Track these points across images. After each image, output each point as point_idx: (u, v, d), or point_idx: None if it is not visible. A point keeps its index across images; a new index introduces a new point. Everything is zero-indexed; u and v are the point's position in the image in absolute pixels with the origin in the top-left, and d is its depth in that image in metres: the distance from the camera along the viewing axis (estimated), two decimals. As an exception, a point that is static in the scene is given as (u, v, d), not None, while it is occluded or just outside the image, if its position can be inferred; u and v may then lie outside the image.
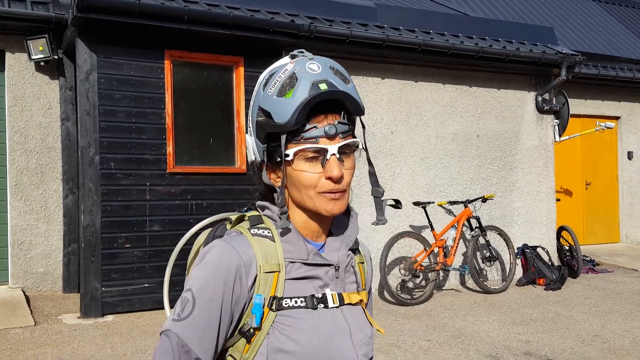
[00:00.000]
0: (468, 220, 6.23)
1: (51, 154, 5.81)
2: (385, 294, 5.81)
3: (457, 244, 6.06)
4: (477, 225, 6.17)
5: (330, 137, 0.96)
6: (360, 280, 1.10)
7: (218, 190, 5.43)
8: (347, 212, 1.08)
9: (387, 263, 5.64)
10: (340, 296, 1.02)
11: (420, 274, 5.87)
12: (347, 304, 1.03)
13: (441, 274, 6.21)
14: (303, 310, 0.98)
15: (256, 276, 0.97)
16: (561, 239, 7.18)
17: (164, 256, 5.11)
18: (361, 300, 1.06)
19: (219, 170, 5.43)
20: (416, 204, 5.96)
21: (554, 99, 7.05)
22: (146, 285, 5.08)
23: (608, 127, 7.22)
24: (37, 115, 5.77)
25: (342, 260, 1.04)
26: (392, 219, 6.19)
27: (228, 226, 1.05)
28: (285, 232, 1.00)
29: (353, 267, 1.07)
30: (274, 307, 0.96)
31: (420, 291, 5.91)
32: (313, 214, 1.01)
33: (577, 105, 8.39)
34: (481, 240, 6.30)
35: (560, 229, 7.19)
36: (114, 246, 5.00)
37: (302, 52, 1.00)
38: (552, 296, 6.03)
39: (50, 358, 3.95)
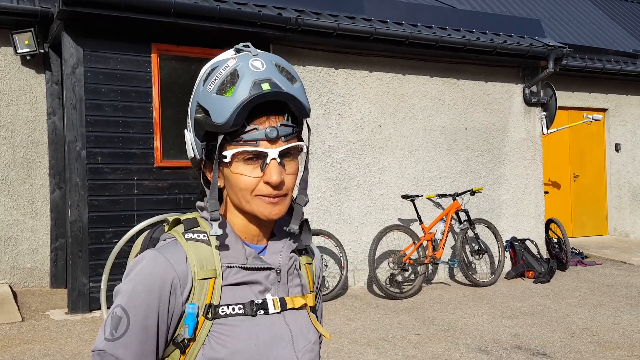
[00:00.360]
0: (457, 214, 6.25)
1: (38, 149, 5.77)
2: (374, 287, 5.83)
3: (446, 237, 6.07)
4: (466, 218, 6.19)
5: (271, 141, 0.91)
6: (307, 282, 1.05)
7: (206, 185, 5.41)
8: (291, 211, 1.02)
9: (376, 257, 5.65)
10: (283, 301, 0.98)
11: (409, 267, 5.88)
12: (290, 308, 0.99)
13: (430, 267, 6.24)
14: (241, 317, 0.93)
15: (192, 286, 0.92)
16: (550, 232, 7.21)
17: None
18: (306, 304, 1.01)
19: (206, 164, 5.41)
20: (405, 197, 5.97)
21: (542, 91, 7.08)
22: (134, 279, 5.06)
23: (595, 120, 7.26)
24: (24, 109, 5.73)
25: (284, 263, 1.00)
26: (381, 212, 6.21)
27: (166, 228, 1.00)
28: (219, 239, 0.95)
29: (297, 270, 1.02)
30: (209, 315, 0.92)
31: (409, 285, 5.93)
32: (252, 217, 0.97)
33: (564, 98, 8.43)
34: (470, 233, 6.33)
35: (549, 222, 7.22)
36: (102, 241, 4.98)
37: (248, 46, 0.95)
38: (541, 289, 6.06)
39: (37, 354, 3.93)
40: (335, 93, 6.01)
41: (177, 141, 5.38)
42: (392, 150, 6.28)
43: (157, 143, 5.23)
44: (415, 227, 6.11)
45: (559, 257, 6.99)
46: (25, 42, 5.49)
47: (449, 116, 6.60)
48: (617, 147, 9.14)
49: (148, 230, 1.06)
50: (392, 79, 6.31)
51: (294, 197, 1.02)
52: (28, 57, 5.64)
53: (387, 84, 6.28)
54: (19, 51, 5.49)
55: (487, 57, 6.53)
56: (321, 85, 5.93)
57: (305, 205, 1.01)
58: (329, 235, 5.63)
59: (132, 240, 1.10)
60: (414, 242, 5.82)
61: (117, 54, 5.07)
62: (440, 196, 6.25)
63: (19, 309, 4.89)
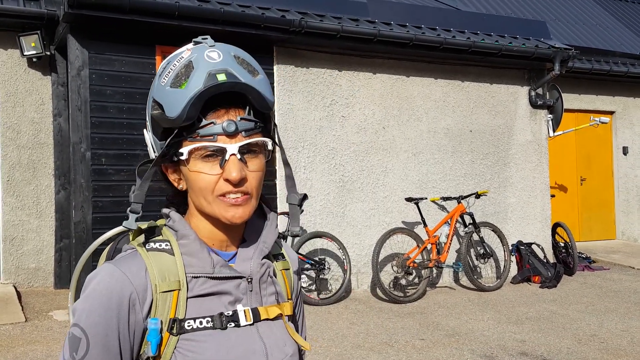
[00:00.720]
0: (461, 217, 6.20)
1: (43, 150, 5.80)
2: (378, 291, 5.79)
3: (451, 240, 6.03)
4: (471, 221, 6.14)
5: (230, 135, 0.86)
6: (284, 290, 0.98)
7: (209, 186, 5.41)
8: (264, 214, 0.98)
9: (380, 260, 5.62)
10: (256, 312, 0.91)
11: (413, 271, 5.85)
12: (264, 319, 0.92)
13: (434, 271, 6.19)
14: (209, 331, 0.87)
15: (153, 300, 0.86)
16: (556, 236, 7.14)
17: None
18: (282, 314, 0.95)
19: (210, 166, 5.42)
20: (409, 200, 5.94)
21: (548, 93, 7.03)
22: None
23: (603, 122, 7.19)
24: (30, 111, 5.77)
25: (256, 270, 0.93)
26: (385, 215, 6.18)
27: (130, 237, 0.95)
28: (183, 247, 0.89)
29: (272, 277, 0.96)
30: (174, 330, 0.86)
31: (413, 288, 5.89)
32: (218, 221, 0.91)
33: (571, 100, 8.37)
34: (475, 236, 6.27)
35: (556, 226, 7.15)
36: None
37: (206, 38, 0.90)
38: (548, 294, 5.99)
39: (40, 355, 3.94)
40: (338, 95, 6.00)
41: (180, 143, 5.39)
42: (396, 152, 6.26)
43: (161, 145, 5.25)
44: (420, 230, 6.07)
45: (565, 261, 6.91)
46: (31, 44, 5.54)
47: (453, 118, 6.56)
48: (625, 150, 9.05)
49: (113, 241, 0.99)
50: (396, 80, 6.29)
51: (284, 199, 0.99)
52: (34, 59, 5.69)
53: (391, 86, 6.26)
54: (26, 53, 5.54)
55: (492, 59, 6.50)
56: (325, 87, 5.92)
57: (301, 203, 0.95)
58: (332, 238, 5.61)
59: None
60: (418, 246, 5.78)
61: (121, 56, 5.10)
62: (445, 199, 6.21)
63: (22, 309, 4.91)
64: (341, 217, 5.98)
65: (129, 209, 0.90)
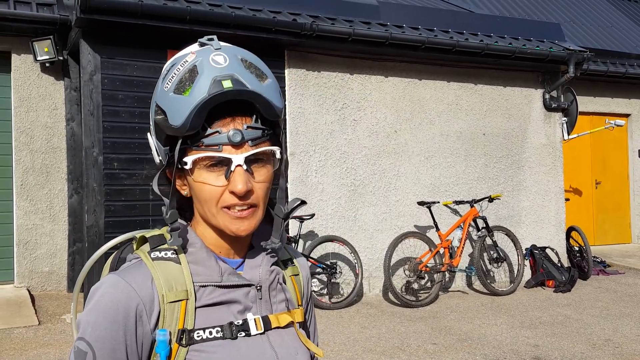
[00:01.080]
0: (474, 221, 6.15)
1: (56, 154, 5.85)
2: (390, 295, 5.76)
3: (463, 244, 5.97)
4: (484, 225, 6.09)
5: (236, 145, 0.82)
6: (294, 296, 0.96)
7: (221, 190, 5.42)
8: (272, 220, 0.94)
9: (392, 264, 5.58)
10: (266, 320, 0.89)
11: (426, 275, 5.80)
12: (275, 328, 0.90)
13: (447, 275, 6.14)
14: (219, 341, 0.84)
15: (160, 311, 0.84)
16: (571, 240, 7.07)
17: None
18: (293, 322, 0.92)
19: (221, 170, 5.42)
20: (421, 203, 5.90)
21: (562, 96, 6.96)
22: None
23: (618, 125, 7.10)
24: (43, 115, 5.82)
25: (265, 277, 0.91)
26: (397, 218, 6.14)
27: (134, 247, 0.92)
28: (190, 256, 0.87)
29: (281, 284, 0.94)
30: (183, 341, 0.83)
31: (425, 293, 5.85)
32: (223, 231, 0.88)
33: (585, 103, 8.27)
34: (488, 240, 6.22)
35: (570, 229, 7.08)
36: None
37: (212, 39, 0.85)
38: (562, 298, 5.93)
39: (52, 358, 3.97)
40: (350, 99, 5.98)
41: (192, 147, 5.40)
42: (408, 156, 6.22)
43: (173, 149, 5.26)
44: (432, 234, 6.03)
45: (580, 265, 6.83)
46: (44, 49, 5.58)
47: (466, 121, 6.51)
48: (641, 154, 8.93)
49: (116, 251, 0.97)
50: (408, 84, 6.26)
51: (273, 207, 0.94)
52: (47, 64, 5.73)
53: (403, 89, 6.23)
54: (39, 58, 5.59)
55: (505, 62, 6.44)
56: (336, 90, 5.90)
57: (286, 218, 0.93)
58: (344, 242, 5.58)
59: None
60: (430, 250, 5.74)
61: (133, 61, 5.12)
62: (458, 203, 6.16)
63: (36, 313, 4.95)
64: (353, 221, 5.95)
65: (170, 228, 0.87)
